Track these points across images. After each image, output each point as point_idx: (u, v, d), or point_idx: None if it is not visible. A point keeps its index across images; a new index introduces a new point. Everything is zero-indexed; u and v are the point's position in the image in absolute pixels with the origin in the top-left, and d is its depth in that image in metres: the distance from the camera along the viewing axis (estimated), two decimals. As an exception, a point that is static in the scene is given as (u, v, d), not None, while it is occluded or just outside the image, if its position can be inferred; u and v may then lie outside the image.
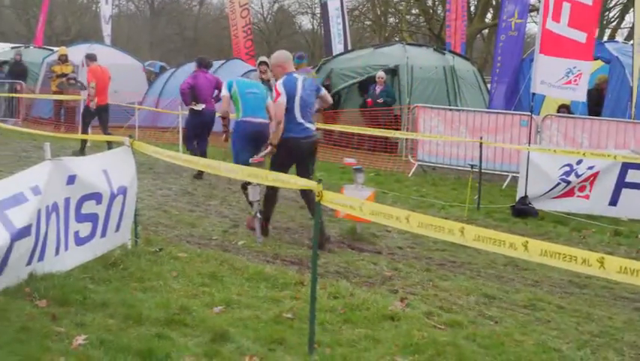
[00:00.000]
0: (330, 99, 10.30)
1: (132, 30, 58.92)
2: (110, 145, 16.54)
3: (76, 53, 24.19)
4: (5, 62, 26.85)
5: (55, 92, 23.15)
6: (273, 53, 10.24)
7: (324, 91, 10.13)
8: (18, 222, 6.18)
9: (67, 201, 7.09)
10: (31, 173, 6.79)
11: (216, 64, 22.76)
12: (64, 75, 22.78)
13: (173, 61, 36.38)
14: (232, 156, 10.77)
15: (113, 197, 7.67)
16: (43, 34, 34.81)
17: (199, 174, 14.41)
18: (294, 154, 9.51)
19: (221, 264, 7.93)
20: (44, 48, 30.03)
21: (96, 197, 7.46)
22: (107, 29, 31.22)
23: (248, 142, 10.48)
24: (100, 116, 17.52)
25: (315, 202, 9.60)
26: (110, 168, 7.77)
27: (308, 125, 9.56)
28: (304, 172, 9.31)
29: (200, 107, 14.66)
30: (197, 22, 62.47)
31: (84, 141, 17.18)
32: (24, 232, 6.25)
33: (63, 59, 23.63)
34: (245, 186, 10.21)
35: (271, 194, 9.72)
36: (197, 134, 15.26)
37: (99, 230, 7.59)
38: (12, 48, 29.90)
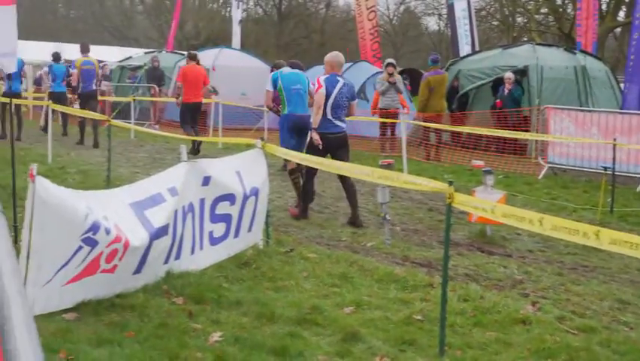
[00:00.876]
0: (353, 111, 11.19)
1: (260, 34, 59.82)
2: (195, 144, 16.87)
3: (206, 58, 24.72)
4: (140, 67, 27.69)
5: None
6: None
7: (355, 101, 11.15)
8: (156, 222, 6.43)
9: (202, 201, 7.31)
10: (168, 174, 7.04)
11: (344, 66, 22.88)
12: (195, 79, 23.27)
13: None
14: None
15: (245, 198, 7.85)
16: (174, 39, 35.77)
17: None
18: (324, 147, 10.44)
19: (350, 265, 7.98)
20: (175, 53, 30.88)
21: (230, 198, 7.66)
22: (237, 33, 31.85)
23: (292, 132, 11.38)
24: (191, 113, 17.86)
25: (352, 188, 10.51)
26: (242, 170, 7.96)
27: (337, 122, 10.64)
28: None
29: None
30: (323, 24, 62.96)
31: (196, 142, 17.31)
32: (162, 232, 6.49)
33: (194, 64, 24.15)
34: (292, 171, 11.23)
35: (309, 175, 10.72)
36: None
37: (232, 230, 7.79)
38: (145, 53, 30.83)
